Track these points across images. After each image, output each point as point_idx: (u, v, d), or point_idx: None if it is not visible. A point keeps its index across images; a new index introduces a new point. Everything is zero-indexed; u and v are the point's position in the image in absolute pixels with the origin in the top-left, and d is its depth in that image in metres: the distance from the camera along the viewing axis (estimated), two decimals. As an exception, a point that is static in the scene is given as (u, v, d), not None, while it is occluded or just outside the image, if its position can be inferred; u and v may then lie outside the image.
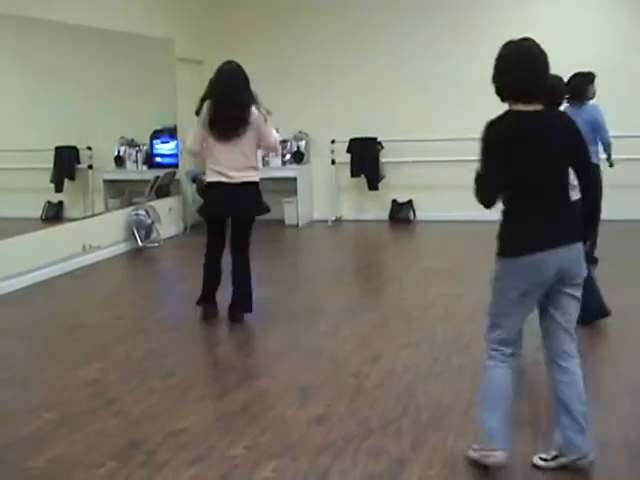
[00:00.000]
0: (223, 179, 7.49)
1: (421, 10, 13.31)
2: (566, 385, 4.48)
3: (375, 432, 5.09)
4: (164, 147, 13.48)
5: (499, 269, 4.40)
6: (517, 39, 4.35)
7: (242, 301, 7.74)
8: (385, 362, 6.45)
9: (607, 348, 6.94)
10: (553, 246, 4.29)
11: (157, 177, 12.86)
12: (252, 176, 7.62)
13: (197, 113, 7.53)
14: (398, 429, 5.13)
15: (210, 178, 7.59)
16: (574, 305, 4.48)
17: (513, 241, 4.37)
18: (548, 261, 4.27)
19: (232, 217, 7.72)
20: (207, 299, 7.91)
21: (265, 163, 13.91)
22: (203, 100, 7.53)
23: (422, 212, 13.64)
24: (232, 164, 7.47)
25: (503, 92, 4.36)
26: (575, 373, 4.50)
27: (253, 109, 7.53)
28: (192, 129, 7.62)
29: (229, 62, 7.88)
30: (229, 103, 7.46)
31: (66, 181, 11.70)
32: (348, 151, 13.59)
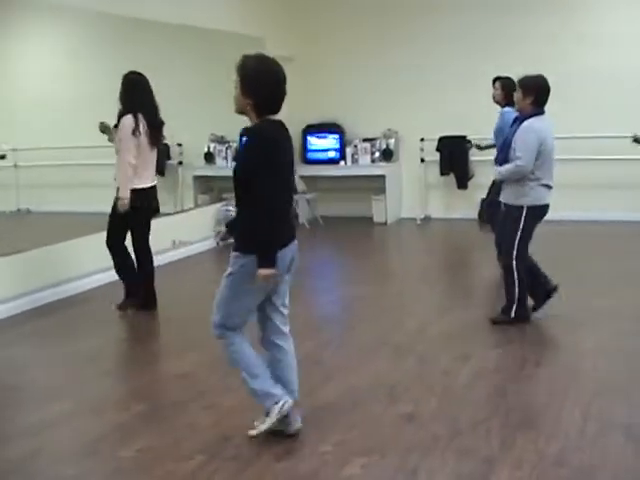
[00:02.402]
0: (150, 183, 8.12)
1: (513, 9, 13.16)
2: (286, 366, 5.09)
3: (464, 431, 5.05)
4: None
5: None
6: (260, 55, 4.89)
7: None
8: (475, 361, 6.40)
9: None
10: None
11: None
12: None
13: (116, 126, 7.90)
14: (487, 429, 5.07)
15: (136, 184, 7.96)
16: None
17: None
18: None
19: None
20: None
21: (354, 161, 13.93)
22: (129, 112, 7.83)
23: (511, 211, 13.51)
24: (152, 168, 8.17)
25: (273, 104, 4.85)
26: (292, 353, 5.16)
27: None
28: (129, 145, 7.82)
29: (140, 74, 8.03)
30: (156, 112, 8.03)
31: (157, 177, 11.83)
32: (437, 149, 13.51)
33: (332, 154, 14.22)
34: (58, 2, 9.03)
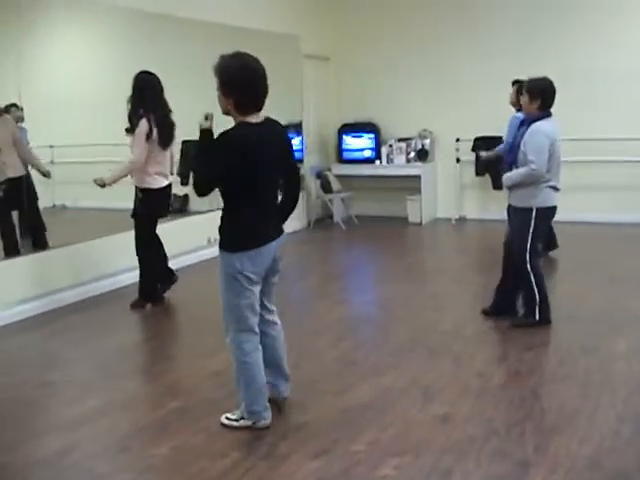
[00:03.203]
0: (167, 182, 8.25)
1: (546, 9, 13.06)
2: (274, 350, 5.36)
3: (499, 434, 5.02)
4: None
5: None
6: (236, 53, 4.97)
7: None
8: (510, 363, 6.37)
9: None
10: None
11: (282, 172, 12.96)
12: None
13: (131, 130, 7.99)
14: (522, 432, 5.05)
15: (158, 183, 8.14)
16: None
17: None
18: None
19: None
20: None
21: (390, 161, 13.91)
22: (140, 114, 7.94)
23: (547, 213, 13.41)
24: (167, 168, 8.30)
25: (254, 101, 4.86)
26: (280, 339, 5.43)
27: None
28: (142, 150, 7.93)
29: (151, 73, 8.13)
30: (166, 112, 8.16)
31: (192, 175, 11.85)
32: (473, 149, 13.46)
33: (367, 153, 14.22)
34: (96, 0, 9.08)
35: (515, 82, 9.83)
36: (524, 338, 7.03)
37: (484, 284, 9.43)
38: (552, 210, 7.26)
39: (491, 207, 13.74)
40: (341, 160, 14.44)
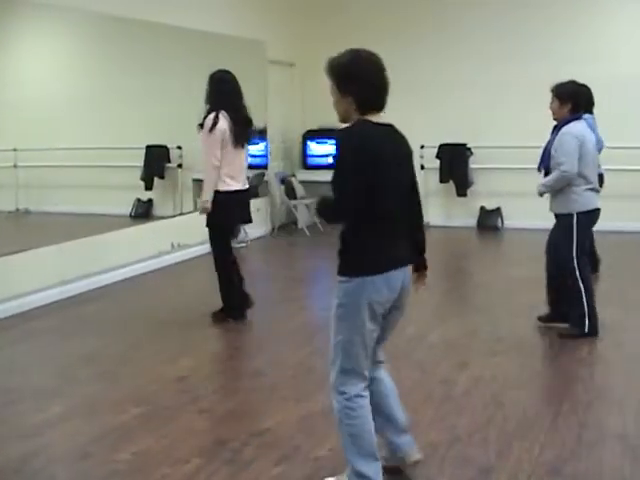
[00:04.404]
0: (239, 186, 7.77)
1: (512, 11, 13.13)
2: (385, 397, 4.49)
3: (462, 440, 5.04)
4: (253, 148, 13.52)
5: None
6: (348, 49, 4.49)
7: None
8: (473, 369, 6.39)
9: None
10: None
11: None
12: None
13: (202, 126, 7.61)
14: (484, 438, 5.07)
15: (227, 186, 7.66)
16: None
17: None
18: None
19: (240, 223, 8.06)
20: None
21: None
22: (214, 111, 7.59)
23: (510, 220, 13.48)
24: (241, 171, 7.81)
25: (374, 96, 4.42)
26: (388, 380, 4.56)
27: None
28: (205, 141, 7.56)
29: (227, 72, 7.84)
30: (244, 109, 7.79)
31: (156, 179, 11.82)
32: (437, 156, 13.52)
33: (332, 160, 14.18)
34: (61, 3, 9.03)
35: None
36: (488, 344, 7.06)
37: (448, 290, 9.50)
38: (595, 213, 7.08)
39: (455, 214, 13.82)
40: (306, 166, 14.46)
